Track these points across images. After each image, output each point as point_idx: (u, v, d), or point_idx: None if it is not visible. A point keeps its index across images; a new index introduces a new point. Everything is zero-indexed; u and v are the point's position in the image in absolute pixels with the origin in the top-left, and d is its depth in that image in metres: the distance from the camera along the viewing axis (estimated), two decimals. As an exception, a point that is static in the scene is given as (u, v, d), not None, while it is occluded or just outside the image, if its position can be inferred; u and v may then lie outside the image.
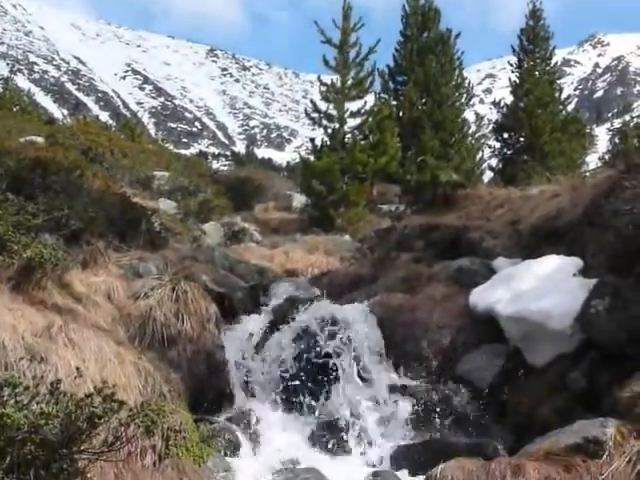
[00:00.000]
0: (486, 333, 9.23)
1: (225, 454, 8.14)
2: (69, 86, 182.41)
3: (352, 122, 22.76)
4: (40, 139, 17.96)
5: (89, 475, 6.39)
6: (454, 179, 13.97)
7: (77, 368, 6.87)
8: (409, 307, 10.03)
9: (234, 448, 8.25)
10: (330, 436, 8.65)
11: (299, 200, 22.42)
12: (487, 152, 27.39)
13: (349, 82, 22.69)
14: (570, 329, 8.14)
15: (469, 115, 29.29)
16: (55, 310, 8.26)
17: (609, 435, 6.35)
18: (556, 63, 29.92)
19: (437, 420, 8.72)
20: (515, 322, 8.73)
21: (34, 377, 6.44)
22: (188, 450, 7.56)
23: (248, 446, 8.40)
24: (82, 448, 6.16)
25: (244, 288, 11.18)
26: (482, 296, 9.45)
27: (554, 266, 9.04)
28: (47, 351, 7.18)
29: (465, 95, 27.83)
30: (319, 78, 23.88)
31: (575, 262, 8.96)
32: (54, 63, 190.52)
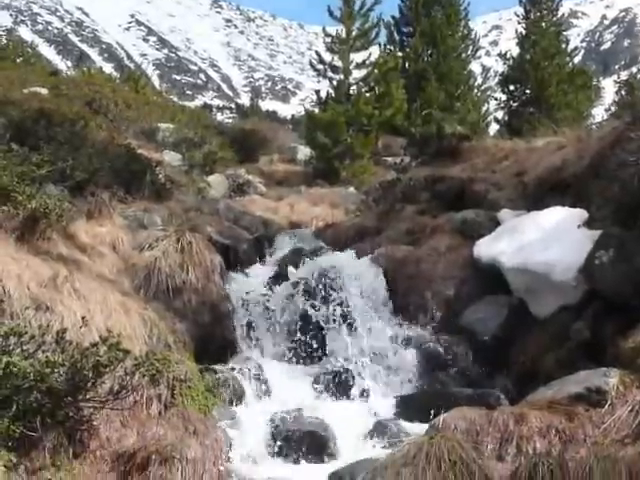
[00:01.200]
0: (490, 284, 9.24)
1: (230, 403, 8.20)
2: (73, 37, 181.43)
3: (357, 74, 22.58)
4: (44, 90, 17.86)
5: (95, 423, 6.48)
6: (459, 131, 13.90)
7: (82, 318, 6.92)
8: (413, 259, 10.04)
9: (239, 397, 8.31)
10: (334, 385, 8.70)
11: (304, 152, 22.33)
12: (493, 104, 27.19)
13: (354, 33, 22.47)
14: (574, 280, 8.14)
15: (475, 67, 29.12)
16: (60, 260, 8.27)
17: (612, 385, 6.38)
18: (563, 15, 29.60)
19: (440, 370, 8.77)
20: (519, 273, 8.74)
21: (40, 326, 6.47)
22: (193, 399, 7.62)
23: (252, 395, 8.46)
24: (88, 396, 6.23)
25: (249, 240, 11.19)
26: (486, 248, 9.45)
27: (559, 218, 9.02)
28: (52, 301, 7.20)
29: (471, 47, 27.63)
30: (324, 29, 23.67)
31: (580, 214, 8.94)
32: (57, 14, 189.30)
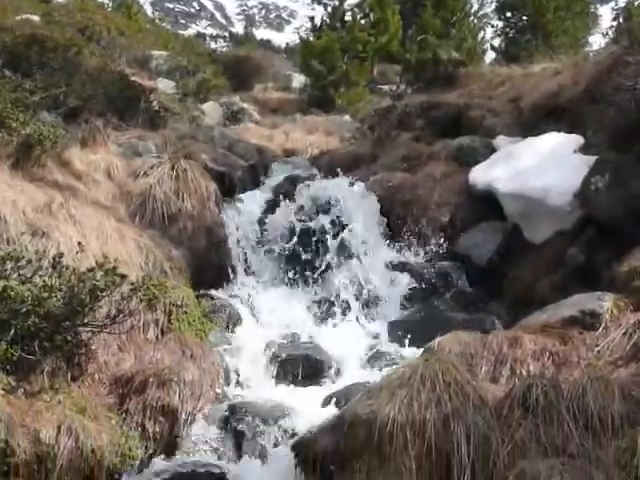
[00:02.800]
0: (485, 211, 9.26)
1: (226, 328, 8.26)
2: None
3: (352, 0, 22.33)
4: (36, 17, 17.61)
5: (93, 347, 6.53)
6: (455, 57, 13.76)
7: (79, 243, 6.93)
8: (409, 185, 10.03)
9: (235, 322, 8.37)
10: (329, 310, 8.77)
11: (299, 80, 22.13)
12: (490, 32, 26.90)
13: (349, -42, 22.18)
14: (569, 206, 8.15)
15: (471, -7, 28.72)
16: (55, 187, 8.25)
17: (606, 308, 6.41)
18: (561, -61, 29.15)
19: (435, 296, 8.83)
20: (514, 199, 8.74)
21: (36, 252, 6.48)
22: (190, 324, 7.67)
23: (249, 320, 8.53)
24: (85, 321, 6.28)
25: (244, 167, 11.14)
26: (482, 174, 9.44)
27: (554, 143, 8.99)
28: (48, 226, 7.20)
29: (467, -27, 27.21)
30: (318, -46, 23.31)
31: (576, 139, 8.92)
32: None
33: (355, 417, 5.54)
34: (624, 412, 5.15)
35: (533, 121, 10.02)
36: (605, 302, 6.46)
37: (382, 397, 5.55)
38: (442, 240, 9.38)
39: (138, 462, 5.97)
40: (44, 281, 6.03)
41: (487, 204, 9.19)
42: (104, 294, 6.18)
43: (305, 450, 5.70)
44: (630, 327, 6.13)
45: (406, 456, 5.22)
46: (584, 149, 8.74)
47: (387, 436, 5.29)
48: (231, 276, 9.26)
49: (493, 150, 9.97)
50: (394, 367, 6.48)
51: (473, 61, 14.71)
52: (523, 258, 8.53)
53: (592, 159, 8.23)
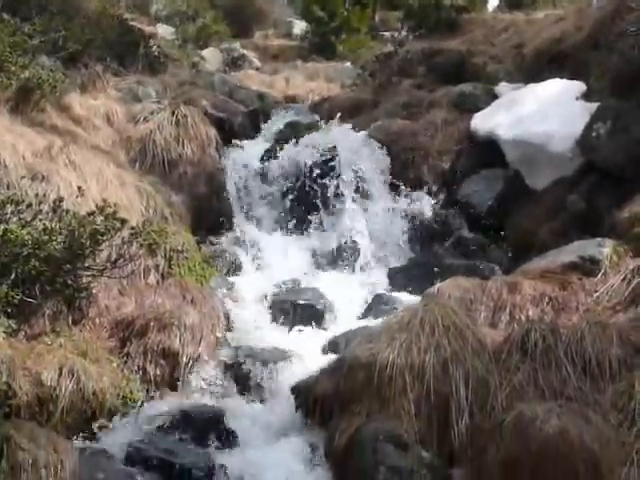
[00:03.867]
0: (487, 158, 9.21)
1: (227, 274, 8.28)
2: None
3: (354, -55, 22.00)
4: (33, -39, 17.44)
5: (94, 291, 6.55)
6: (458, 3, 13.61)
7: (79, 188, 6.91)
8: (410, 132, 9.97)
9: (235, 268, 8.40)
10: (330, 257, 8.78)
11: (300, 27, 21.90)
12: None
13: None
14: (571, 152, 8.13)
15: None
16: (55, 132, 8.21)
17: (605, 254, 6.43)
18: None
19: (436, 243, 8.83)
20: (516, 146, 8.70)
21: (36, 195, 6.45)
22: (191, 270, 7.69)
23: (249, 267, 8.55)
24: (86, 265, 6.29)
25: (244, 113, 11.05)
26: (484, 121, 9.38)
27: (557, 90, 8.93)
28: (48, 171, 7.17)
29: None
30: None
31: (578, 85, 8.85)
32: None
33: (355, 360, 5.58)
34: (622, 356, 5.20)
35: (535, 68, 9.94)
36: (605, 248, 6.48)
37: (382, 341, 5.59)
38: (443, 187, 9.35)
39: (139, 404, 6.03)
40: (44, 225, 6.02)
41: (488, 151, 9.14)
42: (104, 238, 6.17)
43: (305, 393, 5.76)
44: (629, 273, 6.15)
45: (405, 399, 5.27)
46: (586, 96, 8.68)
47: (386, 379, 5.34)
48: (231, 222, 9.24)
49: (495, 97, 9.91)
50: (394, 312, 6.49)
51: (476, 7, 14.50)
52: (524, 205, 8.51)
53: (594, 106, 8.19)
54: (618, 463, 4.56)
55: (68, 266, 6.15)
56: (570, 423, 4.68)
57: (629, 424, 4.76)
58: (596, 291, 6.17)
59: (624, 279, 6.12)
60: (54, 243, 5.98)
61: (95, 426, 5.71)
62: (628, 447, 4.63)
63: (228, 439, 5.70)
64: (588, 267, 6.40)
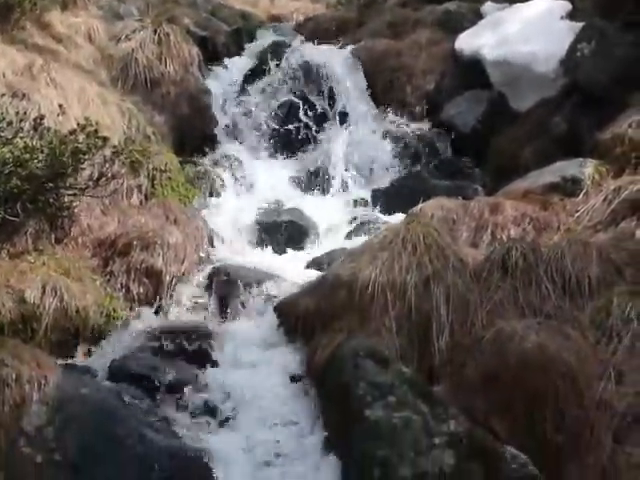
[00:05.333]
0: (471, 78, 9.16)
1: (210, 195, 8.27)
2: None
3: None
4: None
5: (76, 210, 6.53)
6: None
7: (60, 106, 6.83)
8: (394, 52, 9.88)
9: (219, 189, 8.36)
10: (313, 179, 8.76)
11: (284, -54, 21.58)
12: None
13: None
14: (554, 73, 8.09)
15: None
16: (36, 50, 8.09)
17: (587, 174, 6.46)
18: None
19: (419, 164, 8.82)
20: (500, 66, 8.65)
21: (17, 113, 6.36)
22: (174, 190, 7.66)
23: (232, 188, 8.51)
24: (68, 183, 6.24)
25: (227, 32, 10.90)
26: (468, 41, 9.30)
27: (542, 9, 8.84)
28: (29, 89, 7.09)
29: None
30: None
31: (563, 5, 8.77)
32: None
33: (337, 279, 5.62)
34: (601, 275, 5.24)
35: (521, -13, 9.82)
36: (586, 169, 6.50)
37: (363, 260, 5.62)
38: (427, 108, 9.32)
39: (123, 322, 6.07)
40: (25, 143, 5.94)
41: (473, 71, 9.08)
42: (86, 157, 6.11)
43: (287, 311, 5.81)
44: (610, 193, 6.16)
45: (386, 317, 5.32)
46: (571, 16, 8.60)
47: (368, 297, 5.38)
48: (215, 143, 9.19)
49: (480, 16, 9.79)
50: (376, 232, 6.51)
51: None
52: (507, 126, 8.49)
53: (579, 25, 8.13)
54: (595, 378, 4.62)
55: (50, 184, 6.10)
56: (549, 339, 4.73)
57: (607, 340, 4.81)
58: (577, 211, 6.20)
59: (605, 199, 6.14)
60: (35, 161, 5.91)
61: (79, 343, 5.76)
62: (605, 363, 4.69)
63: (210, 356, 5.74)
64: (570, 187, 6.43)
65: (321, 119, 9.24)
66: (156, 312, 6.35)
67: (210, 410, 5.25)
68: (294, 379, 5.40)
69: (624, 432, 4.40)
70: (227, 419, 5.19)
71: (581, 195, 6.36)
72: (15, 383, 4.66)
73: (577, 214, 6.17)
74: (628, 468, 4.25)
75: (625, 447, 4.33)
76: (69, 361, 5.56)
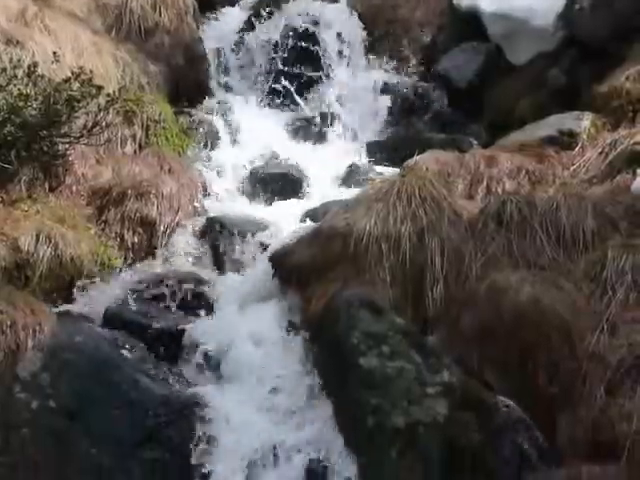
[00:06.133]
0: (468, 32, 9.05)
1: (204, 146, 8.22)
2: None
3: None
4: None
5: (70, 159, 6.51)
6: None
7: (54, 53, 6.77)
8: (391, 4, 9.76)
9: (213, 140, 8.29)
10: (308, 131, 8.71)
11: None
12: None
13: None
14: (553, 26, 8.02)
15: None
16: (28, -3, 8.00)
17: (583, 127, 6.45)
18: None
19: (415, 116, 8.77)
20: (498, 19, 8.55)
21: (10, 60, 6.34)
22: (168, 140, 7.63)
23: (227, 138, 8.44)
24: (62, 131, 6.23)
25: (223, -19, 10.79)
26: (467, -7, 9.22)
27: (542, -39, 8.76)
28: (23, 37, 7.01)
29: None
30: None
31: (564, -43, 8.69)
32: None
33: (331, 230, 5.61)
34: (596, 228, 5.23)
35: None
36: (583, 121, 6.49)
37: (358, 211, 5.61)
38: (423, 61, 9.26)
39: (117, 270, 6.08)
40: (19, 90, 5.94)
41: (470, 25, 8.97)
42: (80, 105, 6.11)
43: (281, 261, 5.78)
44: (606, 146, 6.16)
45: (380, 268, 5.31)
46: (572, -33, 8.52)
47: (362, 248, 5.37)
48: (209, 94, 9.10)
49: (478, -31, 9.70)
50: (371, 183, 6.50)
51: None
52: (504, 80, 8.43)
53: (577, -22, 8.06)
54: (589, 330, 4.64)
55: (44, 132, 6.10)
56: (543, 292, 4.75)
57: (601, 293, 4.82)
58: (573, 164, 6.20)
59: (601, 152, 6.14)
60: (29, 109, 5.93)
61: (73, 292, 5.76)
62: (599, 315, 4.71)
63: (204, 305, 5.76)
64: (566, 140, 6.41)
65: (316, 70, 9.15)
66: (150, 261, 6.33)
67: (204, 358, 5.28)
68: (288, 328, 5.41)
69: (616, 384, 4.42)
70: (221, 368, 5.22)
71: (577, 148, 6.35)
72: (10, 330, 4.68)
73: (573, 167, 6.17)
74: (620, 419, 4.27)
75: (617, 399, 4.35)
76: (63, 309, 5.55)
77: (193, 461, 4.59)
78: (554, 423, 4.51)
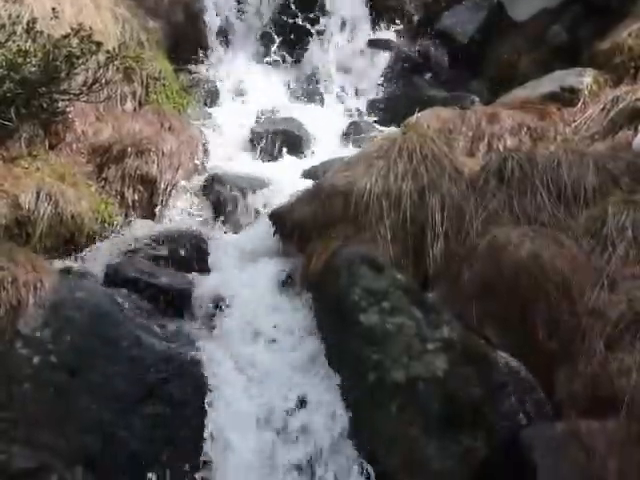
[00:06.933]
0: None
1: (204, 104, 8.20)
2: None
3: None
4: None
5: (70, 116, 6.47)
6: None
7: (53, 9, 6.69)
8: (392, -39, 9.68)
9: (213, 98, 8.31)
10: (308, 88, 8.69)
11: None
12: None
13: None
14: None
15: None
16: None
17: (585, 84, 6.42)
18: None
19: (416, 74, 8.73)
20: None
21: (9, 17, 6.27)
22: (168, 97, 7.61)
23: (227, 96, 8.45)
24: (61, 88, 6.18)
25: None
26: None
27: None
28: (21, -7, 6.97)
29: None
30: None
31: None
32: None
33: (332, 187, 5.60)
34: (597, 184, 5.23)
35: None
36: (585, 78, 6.47)
37: (359, 169, 5.60)
38: (425, 18, 9.18)
39: (118, 228, 6.08)
40: (18, 46, 5.89)
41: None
42: (80, 61, 6.05)
43: (282, 219, 5.78)
44: (608, 103, 6.14)
45: (381, 225, 5.31)
46: None
47: (363, 206, 5.36)
48: (210, 51, 9.05)
49: None
50: (372, 141, 6.48)
51: None
52: (506, 36, 8.39)
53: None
54: (589, 286, 4.65)
55: (43, 89, 6.05)
56: (543, 247, 4.76)
57: (601, 249, 4.83)
58: (575, 121, 6.18)
59: (603, 109, 6.12)
60: (29, 65, 5.88)
61: (74, 249, 5.77)
62: (599, 271, 4.72)
63: (205, 262, 5.77)
64: (568, 97, 6.39)
65: (318, 27, 9.07)
66: (151, 219, 6.33)
67: (204, 315, 5.29)
68: (289, 286, 5.41)
69: (616, 339, 4.44)
70: (221, 325, 5.21)
71: (579, 105, 6.33)
72: (11, 286, 4.67)
73: (574, 124, 6.15)
74: (619, 374, 4.29)
75: (616, 354, 4.37)
76: (64, 266, 5.55)
77: (194, 417, 4.61)
78: (553, 378, 4.53)
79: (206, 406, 4.61)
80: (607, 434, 4.14)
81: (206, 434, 4.54)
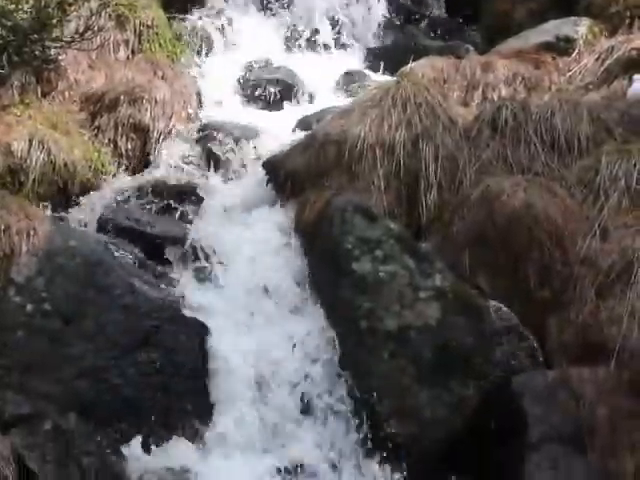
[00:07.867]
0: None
1: (198, 53, 8.12)
2: None
3: None
4: None
5: (62, 64, 6.43)
6: None
7: (44, -45, 6.65)
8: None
9: (207, 47, 8.20)
10: (302, 38, 8.58)
11: None
12: None
13: None
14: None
15: None
16: None
17: (580, 34, 6.40)
18: None
19: (411, 24, 8.69)
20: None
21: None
22: (161, 46, 7.51)
23: (221, 45, 8.33)
24: (53, 35, 6.14)
25: None
26: None
27: None
28: (12, -62, 6.88)
29: None
30: None
31: None
32: None
33: (326, 136, 5.57)
34: (590, 133, 5.22)
35: None
36: (580, 27, 6.44)
37: (353, 118, 5.58)
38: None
39: (111, 176, 6.06)
40: (9, -7, 5.85)
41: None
42: (72, 8, 6.02)
43: (276, 168, 5.76)
44: (603, 53, 6.12)
45: (375, 174, 5.30)
46: None
47: (357, 155, 5.35)
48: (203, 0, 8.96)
49: None
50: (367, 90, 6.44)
51: None
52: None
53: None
54: (581, 235, 4.67)
55: (35, 36, 6.00)
56: (536, 197, 4.76)
57: (594, 198, 4.84)
58: (569, 70, 6.16)
59: (598, 59, 6.10)
60: (20, 12, 5.84)
61: (67, 197, 5.76)
62: (591, 220, 4.74)
63: (198, 212, 5.75)
64: (563, 47, 6.37)
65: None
66: (144, 167, 6.31)
67: (197, 264, 5.29)
68: (282, 235, 5.41)
69: (607, 288, 4.46)
70: (214, 274, 5.23)
71: (574, 54, 6.31)
72: (4, 234, 4.67)
73: (569, 73, 6.13)
74: (609, 323, 4.32)
75: (608, 302, 4.39)
76: (58, 214, 5.55)
77: (188, 363, 4.64)
78: (545, 327, 4.57)
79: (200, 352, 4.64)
80: (597, 382, 4.17)
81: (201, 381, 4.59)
